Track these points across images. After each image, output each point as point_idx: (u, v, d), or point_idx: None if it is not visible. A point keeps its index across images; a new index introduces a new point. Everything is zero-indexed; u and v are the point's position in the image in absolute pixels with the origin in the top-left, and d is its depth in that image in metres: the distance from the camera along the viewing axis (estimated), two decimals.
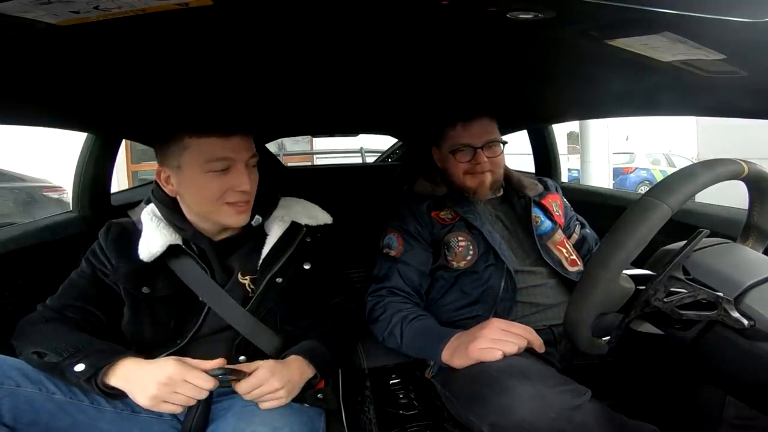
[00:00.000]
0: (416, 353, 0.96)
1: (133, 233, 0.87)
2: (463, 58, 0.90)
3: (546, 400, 0.70)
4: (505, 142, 1.12)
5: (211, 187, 0.81)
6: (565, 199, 1.25)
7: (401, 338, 0.95)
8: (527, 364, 0.82)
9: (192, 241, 0.87)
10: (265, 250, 0.89)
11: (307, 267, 0.92)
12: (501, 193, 1.19)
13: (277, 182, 0.96)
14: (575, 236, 1.19)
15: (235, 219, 0.84)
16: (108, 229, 0.89)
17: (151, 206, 0.89)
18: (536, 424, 0.68)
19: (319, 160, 5.88)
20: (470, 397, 0.79)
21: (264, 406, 0.72)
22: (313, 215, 0.97)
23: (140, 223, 0.88)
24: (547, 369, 0.81)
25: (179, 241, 0.85)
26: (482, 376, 0.79)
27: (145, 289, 0.83)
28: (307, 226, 0.94)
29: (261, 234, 0.91)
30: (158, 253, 0.83)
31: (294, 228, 0.93)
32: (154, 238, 0.84)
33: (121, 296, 0.84)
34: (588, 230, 1.22)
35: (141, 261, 0.83)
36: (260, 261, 0.88)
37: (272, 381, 0.72)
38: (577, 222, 1.23)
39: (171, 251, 0.84)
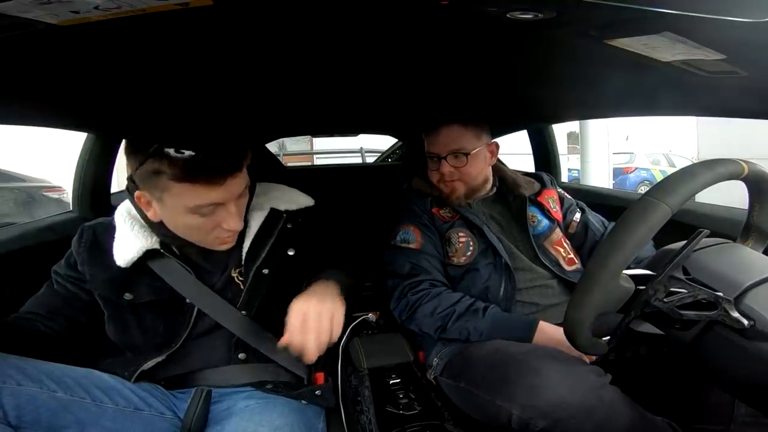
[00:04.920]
0: (496, 337, 0.93)
1: (106, 236, 0.82)
2: (463, 58, 0.90)
3: (575, 378, 0.71)
4: (467, 153, 1.09)
5: (197, 227, 0.75)
6: (560, 189, 1.25)
7: (474, 326, 0.95)
8: (546, 348, 0.83)
9: (172, 245, 0.82)
10: (246, 242, 0.85)
11: (291, 253, 0.89)
12: (494, 192, 1.19)
13: (268, 179, 0.94)
14: (574, 224, 1.18)
15: (221, 247, 0.81)
16: (80, 235, 0.84)
17: (127, 204, 0.83)
18: (569, 402, 0.68)
19: (319, 160, 5.88)
20: (495, 382, 0.79)
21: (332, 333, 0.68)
22: (293, 199, 0.94)
23: (116, 223, 0.83)
24: (564, 352, 0.81)
25: (156, 246, 0.80)
26: (506, 360, 0.80)
27: (127, 296, 0.79)
28: (287, 211, 0.91)
29: (244, 227, 0.86)
30: (134, 259, 0.78)
31: (273, 215, 0.89)
32: (128, 241, 0.79)
33: (97, 306, 0.80)
34: (590, 215, 1.21)
35: (119, 266, 0.78)
36: (243, 254, 0.85)
37: (310, 314, 0.68)
38: (577, 209, 1.22)
39: (150, 254, 0.80)
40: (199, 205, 0.72)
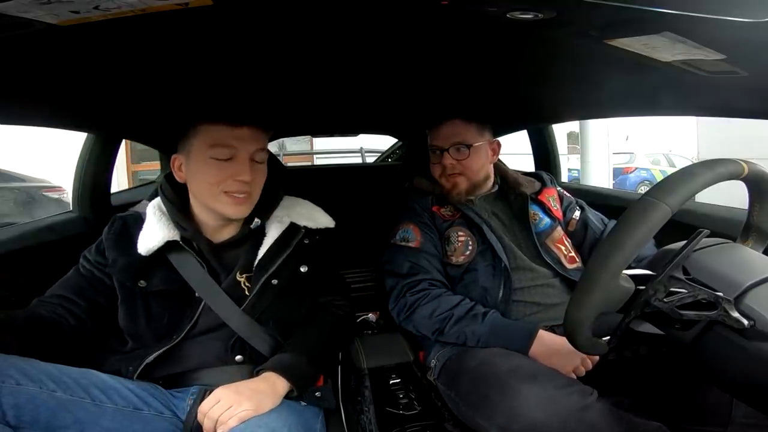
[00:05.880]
0: (493, 344, 0.93)
1: (135, 227, 0.88)
2: (463, 59, 0.90)
3: (555, 401, 0.71)
4: (469, 145, 1.10)
5: (213, 173, 0.82)
6: (560, 188, 1.25)
7: (473, 331, 0.94)
8: (533, 365, 0.82)
9: (192, 240, 0.87)
10: (261, 250, 0.89)
11: (303, 270, 0.92)
12: (496, 189, 1.19)
13: (279, 182, 0.96)
14: (574, 222, 1.18)
15: (233, 210, 0.84)
16: (112, 223, 0.90)
17: (158, 200, 0.90)
18: (548, 425, 0.68)
19: (319, 160, 5.87)
20: (477, 399, 0.79)
21: (231, 423, 0.67)
22: (314, 217, 0.96)
23: (146, 215, 0.89)
24: (552, 370, 0.82)
25: (177, 237, 0.85)
26: (489, 378, 0.80)
27: (141, 283, 0.84)
28: (306, 228, 0.94)
29: (260, 234, 0.91)
30: (155, 248, 0.84)
31: (292, 229, 0.92)
32: (153, 231, 0.85)
33: (116, 291, 0.84)
34: (590, 213, 1.21)
35: (139, 255, 0.84)
36: (256, 261, 0.87)
37: (229, 396, 0.70)
38: (576, 207, 1.22)
39: (170, 246, 0.85)
40: (217, 143, 0.81)
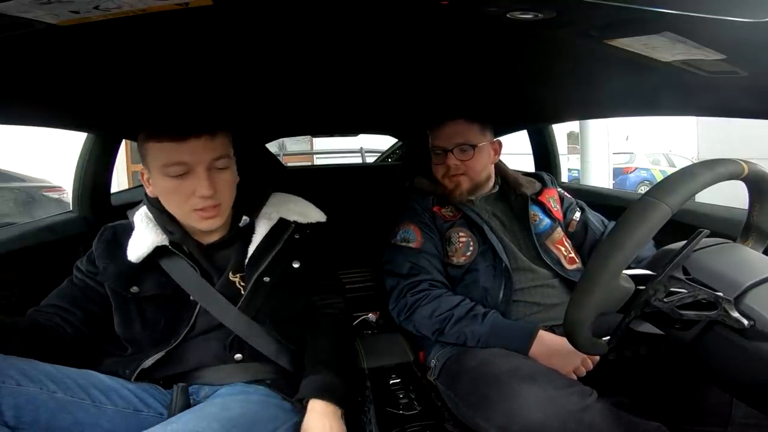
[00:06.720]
0: (493, 344, 0.93)
1: (125, 235, 0.87)
2: (463, 59, 0.90)
3: (554, 402, 0.71)
4: (473, 146, 1.10)
5: (174, 192, 0.80)
6: (560, 189, 1.25)
7: (473, 331, 0.94)
8: (533, 366, 0.82)
9: (181, 243, 0.86)
10: (251, 248, 0.88)
11: (296, 266, 0.91)
12: (496, 189, 1.19)
13: (267, 179, 0.95)
14: (574, 223, 1.18)
15: (204, 224, 0.83)
16: (101, 233, 0.90)
17: (144, 208, 0.90)
18: (547, 426, 0.68)
19: (319, 160, 5.87)
20: (477, 400, 0.79)
21: None
22: (305, 213, 0.96)
23: (134, 224, 0.88)
24: (552, 371, 0.82)
25: (166, 242, 0.85)
26: (488, 379, 0.80)
27: (134, 289, 0.83)
28: (296, 222, 0.93)
29: (250, 232, 0.90)
30: (145, 254, 0.83)
31: (281, 225, 0.92)
32: (142, 238, 0.84)
33: (110, 299, 0.84)
34: (590, 214, 1.21)
35: (130, 262, 0.83)
36: (246, 259, 0.87)
37: None
38: (577, 208, 1.22)
39: (160, 252, 0.84)
40: (167, 163, 0.78)
